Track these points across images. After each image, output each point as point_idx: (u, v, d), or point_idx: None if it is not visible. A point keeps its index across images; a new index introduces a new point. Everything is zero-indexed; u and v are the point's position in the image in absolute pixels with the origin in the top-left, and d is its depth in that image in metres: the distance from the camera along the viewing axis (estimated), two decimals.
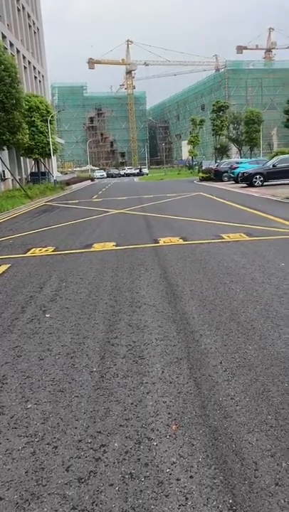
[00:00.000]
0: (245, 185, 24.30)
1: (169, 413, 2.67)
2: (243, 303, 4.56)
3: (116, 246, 8.49)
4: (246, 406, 2.69)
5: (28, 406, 2.87)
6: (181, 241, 8.50)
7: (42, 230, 11.73)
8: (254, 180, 23.56)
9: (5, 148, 25.63)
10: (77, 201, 22.13)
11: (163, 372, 3.18)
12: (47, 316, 4.60)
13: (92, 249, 8.32)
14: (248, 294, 4.84)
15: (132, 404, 2.80)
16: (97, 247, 8.55)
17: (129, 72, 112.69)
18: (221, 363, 3.27)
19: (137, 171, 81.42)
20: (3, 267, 7.17)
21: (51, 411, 2.79)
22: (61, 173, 69.09)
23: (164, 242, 8.48)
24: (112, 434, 2.50)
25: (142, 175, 74.67)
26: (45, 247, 8.90)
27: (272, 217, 10.99)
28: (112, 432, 2.53)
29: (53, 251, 8.42)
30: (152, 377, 3.13)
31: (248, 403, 2.72)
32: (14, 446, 2.45)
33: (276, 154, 35.63)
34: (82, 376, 3.21)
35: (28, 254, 8.31)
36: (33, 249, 8.69)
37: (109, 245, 8.60)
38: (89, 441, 2.46)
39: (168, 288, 5.32)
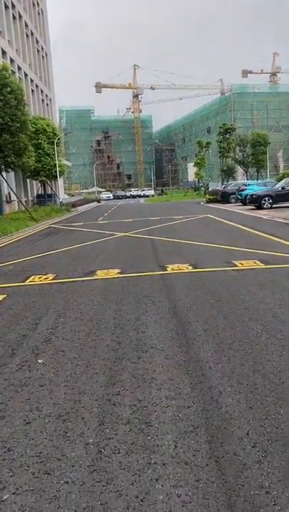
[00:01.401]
0: (253, 207, 23.77)
1: None
2: (266, 348, 3.92)
3: (120, 273, 7.90)
4: None
5: (5, 497, 2.23)
6: (190, 268, 7.90)
7: (44, 254, 11.19)
8: (263, 202, 23.00)
9: (10, 170, 25.41)
10: (82, 223, 21.68)
11: (176, 447, 2.54)
12: (39, 361, 3.98)
13: (94, 277, 7.74)
14: (271, 336, 4.20)
15: (136, 497, 2.16)
16: (100, 274, 7.98)
17: (136, 96, 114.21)
18: (247, 434, 2.62)
19: (150, 192, 79.42)
20: None
21: (32, 506, 2.15)
22: (68, 195, 69.36)
23: (172, 270, 7.89)
24: None
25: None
26: (46, 274, 8.33)
27: (288, 243, 10.37)
28: None
29: (53, 279, 7.84)
30: (162, 454, 2.49)
31: None
32: None
33: (283, 176, 35.34)
34: (75, 450, 2.58)
35: (27, 282, 7.74)
36: (33, 277, 8.12)
37: (113, 272, 8.02)
38: None
39: (178, 327, 4.69)
